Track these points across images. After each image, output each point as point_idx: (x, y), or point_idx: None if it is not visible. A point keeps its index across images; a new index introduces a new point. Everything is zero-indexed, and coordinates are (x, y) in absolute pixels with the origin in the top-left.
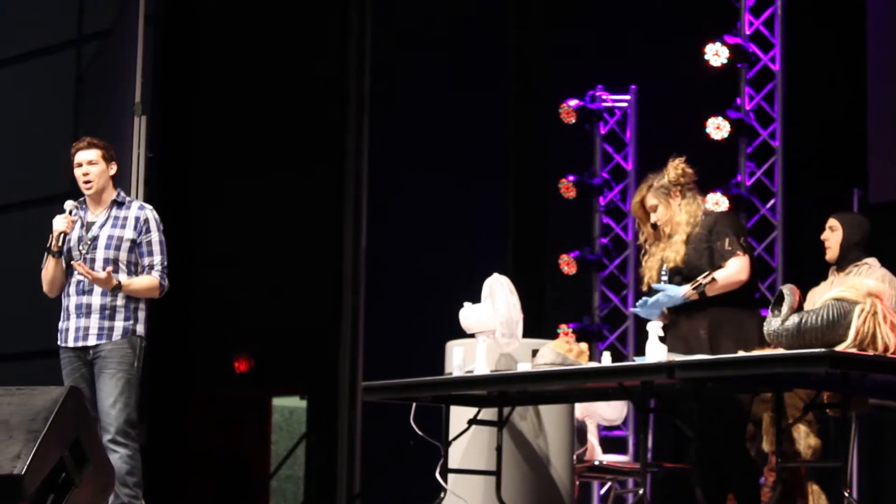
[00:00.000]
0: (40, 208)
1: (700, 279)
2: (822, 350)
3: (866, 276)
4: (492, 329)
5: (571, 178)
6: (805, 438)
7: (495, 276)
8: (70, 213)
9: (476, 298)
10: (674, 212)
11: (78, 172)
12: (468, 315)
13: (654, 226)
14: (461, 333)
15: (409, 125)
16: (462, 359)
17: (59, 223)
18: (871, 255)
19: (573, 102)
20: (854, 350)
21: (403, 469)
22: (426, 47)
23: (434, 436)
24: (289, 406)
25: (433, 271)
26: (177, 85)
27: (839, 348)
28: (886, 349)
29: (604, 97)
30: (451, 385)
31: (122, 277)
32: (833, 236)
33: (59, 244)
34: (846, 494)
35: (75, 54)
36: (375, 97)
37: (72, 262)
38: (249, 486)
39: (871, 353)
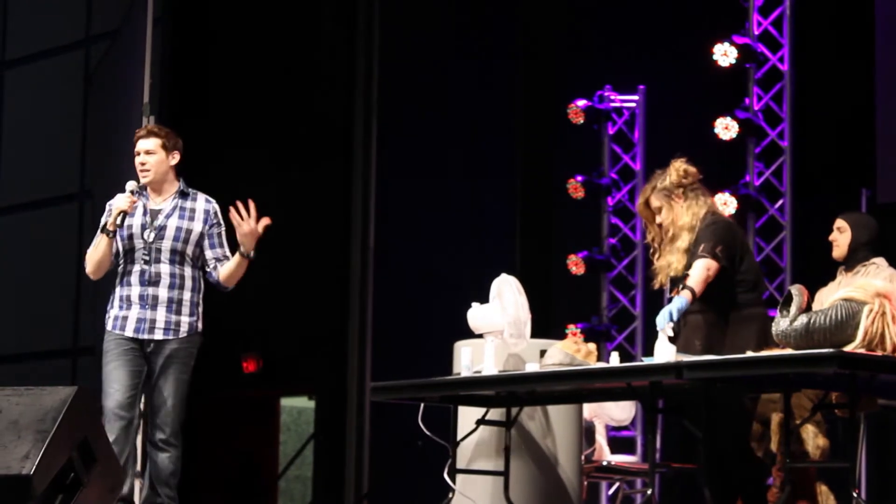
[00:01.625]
0: (48, 209)
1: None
2: (831, 350)
3: (874, 276)
4: (500, 329)
5: (580, 178)
6: (813, 439)
7: (503, 276)
8: (132, 192)
9: (484, 299)
10: (677, 214)
11: (137, 161)
12: (476, 315)
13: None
14: (469, 334)
15: (417, 125)
16: (470, 359)
17: (122, 201)
18: (879, 255)
19: (581, 102)
20: (862, 350)
21: (411, 469)
22: (435, 48)
23: (442, 436)
24: (297, 406)
25: (441, 271)
26: (185, 85)
27: (848, 349)
28: (895, 349)
29: (612, 97)
30: (460, 385)
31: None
32: (841, 237)
33: (119, 223)
34: (854, 495)
35: (84, 55)
36: (384, 98)
37: (230, 213)
38: (257, 486)
39: (879, 353)
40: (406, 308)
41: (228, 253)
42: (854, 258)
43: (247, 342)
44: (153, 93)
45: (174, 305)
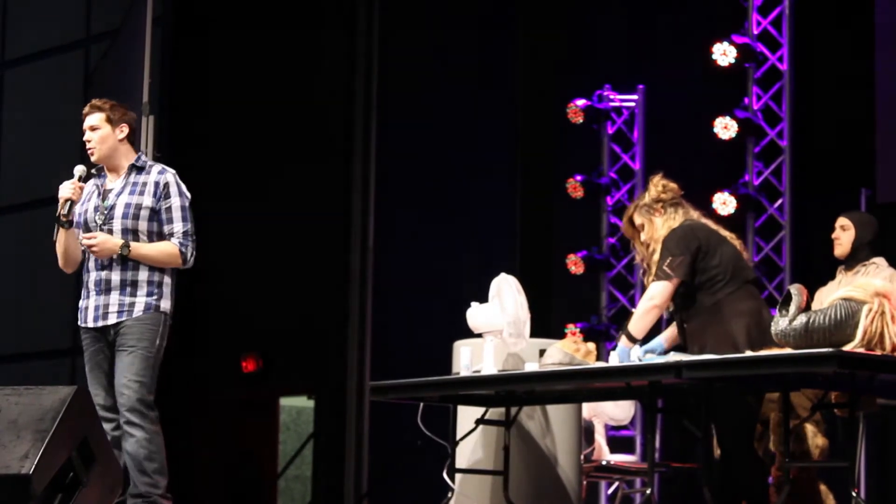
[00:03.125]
0: (48, 209)
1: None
2: (830, 350)
3: (874, 276)
4: (499, 329)
5: (579, 177)
6: (813, 438)
7: (503, 275)
8: (79, 178)
9: (484, 298)
10: (655, 228)
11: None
12: (476, 315)
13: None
14: (469, 333)
15: (416, 125)
16: (469, 358)
17: (65, 190)
18: (879, 255)
19: (581, 102)
20: (862, 350)
21: (411, 469)
22: (434, 47)
23: (441, 435)
24: (296, 406)
25: (440, 271)
26: (184, 85)
27: (847, 348)
28: (894, 349)
29: (611, 97)
30: (459, 385)
31: (132, 241)
32: (845, 235)
33: (66, 213)
34: (854, 494)
35: (84, 55)
36: (383, 97)
37: (81, 237)
38: (257, 485)
39: (878, 352)
40: (406, 308)
41: (176, 228)
42: (855, 257)
43: (246, 342)
44: (153, 92)
45: (128, 288)
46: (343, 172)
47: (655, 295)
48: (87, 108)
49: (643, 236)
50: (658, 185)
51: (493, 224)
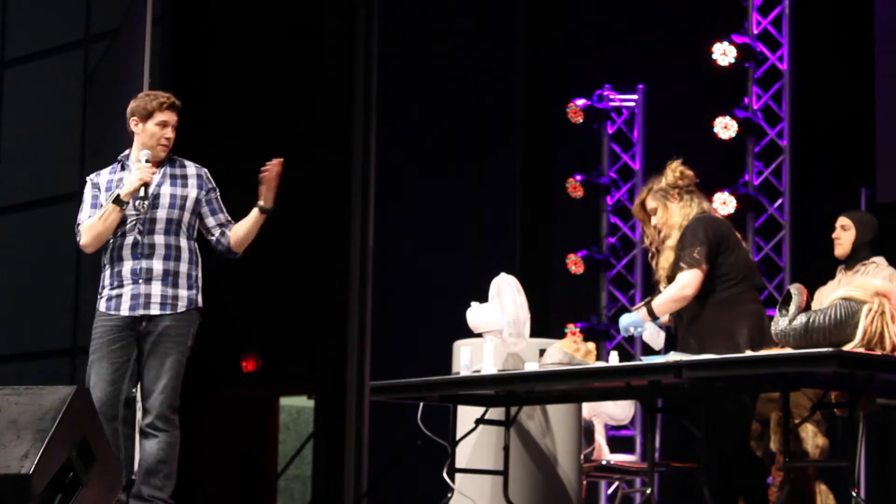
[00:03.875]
0: (47, 208)
1: (650, 297)
2: (830, 350)
3: (874, 275)
4: (499, 328)
5: (579, 177)
6: (813, 438)
7: (503, 275)
8: (146, 160)
9: (483, 298)
10: (670, 214)
11: (156, 130)
12: (475, 314)
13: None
14: (468, 333)
15: (416, 124)
16: (469, 358)
17: (146, 172)
18: (879, 255)
19: (581, 102)
20: (862, 350)
21: (411, 468)
22: (434, 46)
23: (441, 435)
24: (296, 405)
25: (440, 271)
26: (184, 85)
27: (847, 348)
28: (894, 348)
29: (611, 97)
30: (459, 385)
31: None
32: (845, 235)
33: (144, 195)
34: (854, 494)
35: (83, 54)
36: (382, 96)
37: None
38: (257, 485)
39: (878, 352)
40: (405, 307)
41: (229, 217)
42: (856, 257)
43: (246, 342)
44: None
45: (170, 278)
46: (343, 172)
47: (688, 284)
48: (167, 101)
49: (655, 220)
50: (676, 170)
51: (493, 224)
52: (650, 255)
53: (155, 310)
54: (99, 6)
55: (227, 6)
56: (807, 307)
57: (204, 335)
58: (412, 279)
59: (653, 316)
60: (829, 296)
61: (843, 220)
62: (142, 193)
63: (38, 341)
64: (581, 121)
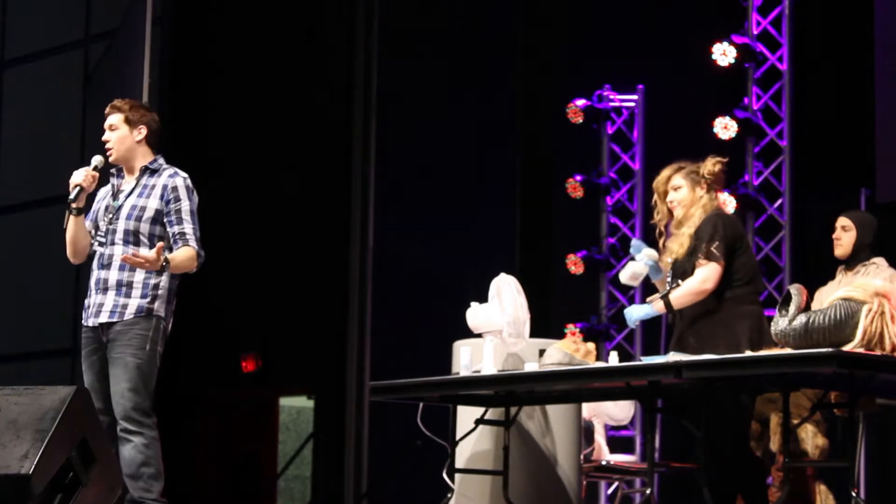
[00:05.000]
0: (47, 208)
1: (668, 288)
2: (830, 350)
3: (874, 276)
4: (499, 329)
5: (579, 177)
6: (812, 438)
7: (502, 275)
8: (94, 167)
9: (483, 298)
10: (693, 200)
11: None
12: (475, 315)
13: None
14: (468, 333)
15: (415, 125)
16: (469, 358)
17: (78, 175)
18: (879, 255)
19: (580, 102)
20: (861, 350)
21: (410, 469)
22: (434, 47)
23: (441, 435)
24: (296, 406)
25: (440, 271)
26: (183, 85)
27: (846, 348)
28: (894, 349)
29: (611, 97)
30: (459, 385)
31: (165, 253)
32: (846, 235)
33: (74, 198)
34: (853, 494)
35: (83, 55)
36: (383, 97)
37: (123, 257)
38: (257, 485)
39: (878, 352)
40: (405, 307)
41: (187, 230)
42: (856, 257)
43: (246, 342)
44: (152, 92)
45: (123, 288)
46: (343, 172)
47: (708, 278)
48: (108, 108)
49: (674, 196)
50: (716, 165)
51: (493, 224)
52: (658, 232)
53: (104, 318)
54: (99, 6)
55: (226, 6)
56: (806, 307)
57: (204, 335)
58: (412, 279)
59: (669, 308)
60: (829, 296)
61: (843, 221)
62: (72, 196)
63: (38, 341)
64: (581, 121)
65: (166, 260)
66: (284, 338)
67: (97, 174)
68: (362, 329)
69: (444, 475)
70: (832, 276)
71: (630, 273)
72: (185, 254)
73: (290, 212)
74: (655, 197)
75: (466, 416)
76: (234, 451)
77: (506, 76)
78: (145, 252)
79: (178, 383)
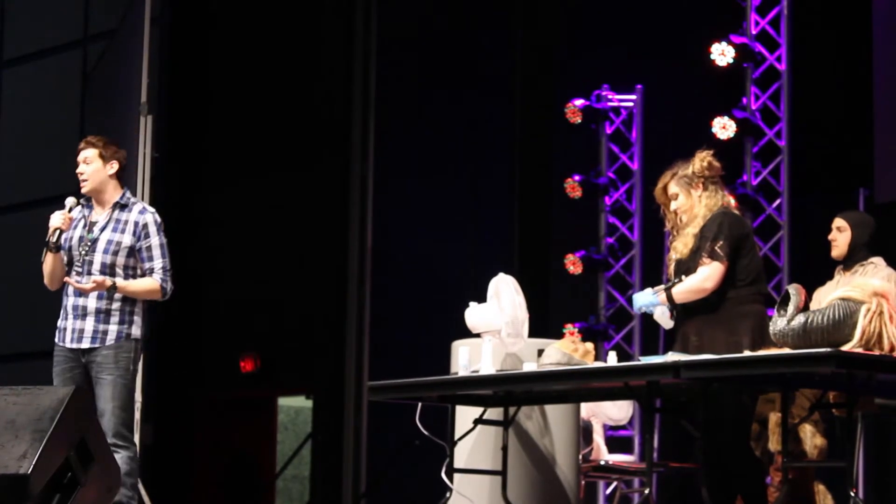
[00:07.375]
0: (46, 208)
1: (671, 282)
2: (829, 350)
3: (872, 276)
4: (497, 329)
5: (577, 177)
6: (811, 438)
7: (501, 275)
8: (69, 209)
9: (482, 298)
10: (693, 202)
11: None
12: (474, 315)
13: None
14: (467, 333)
15: (414, 124)
16: (468, 358)
17: (56, 219)
18: (877, 255)
19: (579, 102)
20: (860, 350)
21: (409, 469)
22: (432, 46)
23: (440, 435)
24: (294, 406)
25: (439, 271)
26: (183, 85)
27: (845, 348)
28: (892, 349)
29: (609, 97)
30: (457, 385)
31: (119, 280)
32: (841, 236)
33: (55, 240)
34: (852, 494)
35: (82, 54)
36: (381, 96)
37: (65, 279)
38: (255, 485)
39: (877, 352)
40: (404, 307)
41: (156, 266)
42: (853, 258)
43: (244, 342)
44: (151, 92)
45: (102, 315)
46: (341, 172)
47: (710, 277)
48: (82, 143)
49: (675, 205)
50: (704, 160)
51: (492, 223)
52: (672, 238)
53: (86, 343)
54: (97, 6)
55: (226, 6)
56: (805, 307)
57: (203, 335)
58: (411, 279)
59: (671, 302)
60: (827, 296)
61: (838, 222)
62: (53, 239)
63: (37, 341)
64: (579, 121)
65: (114, 285)
66: (283, 338)
67: (72, 216)
68: (360, 329)
69: (443, 475)
70: (830, 276)
71: (660, 320)
72: (144, 285)
73: (289, 211)
74: (661, 206)
75: (465, 415)
76: (232, 451)
77: (504, 76)
78: (87, 285)
79: (176, 383)
